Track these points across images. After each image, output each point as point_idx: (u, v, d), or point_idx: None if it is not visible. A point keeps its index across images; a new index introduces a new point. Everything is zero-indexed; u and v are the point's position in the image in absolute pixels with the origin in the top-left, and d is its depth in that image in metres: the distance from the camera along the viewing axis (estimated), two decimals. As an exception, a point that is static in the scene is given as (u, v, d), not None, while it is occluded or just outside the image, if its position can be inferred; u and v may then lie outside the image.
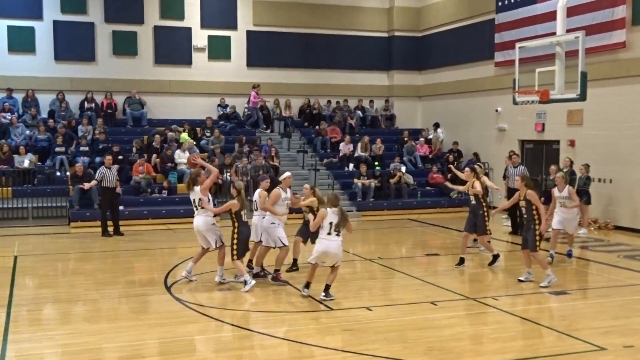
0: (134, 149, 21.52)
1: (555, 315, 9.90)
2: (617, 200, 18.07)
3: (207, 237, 11.41)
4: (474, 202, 13.03)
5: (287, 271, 12.22)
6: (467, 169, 13.60)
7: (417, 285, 11.58)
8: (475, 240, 14.02)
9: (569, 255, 13.87)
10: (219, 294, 10.91)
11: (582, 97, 13.48)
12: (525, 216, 11.43)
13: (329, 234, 9.95)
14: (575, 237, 16.45)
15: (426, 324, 9.10)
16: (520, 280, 11.55)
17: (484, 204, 12.94)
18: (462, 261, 13.07)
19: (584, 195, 17.10)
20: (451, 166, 17.91)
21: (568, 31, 14.23)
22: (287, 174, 12.54)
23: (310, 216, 12.08)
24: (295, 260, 12.57)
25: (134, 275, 12.95)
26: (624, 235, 17.05)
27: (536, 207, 11.13)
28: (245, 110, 25.43)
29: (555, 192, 13.21)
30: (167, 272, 12.44)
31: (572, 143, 19.56)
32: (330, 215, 9.98)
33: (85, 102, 23.54)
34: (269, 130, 25.08)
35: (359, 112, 26.48)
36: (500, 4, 22.24)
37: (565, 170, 17.00)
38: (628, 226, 17.44)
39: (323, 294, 10.20)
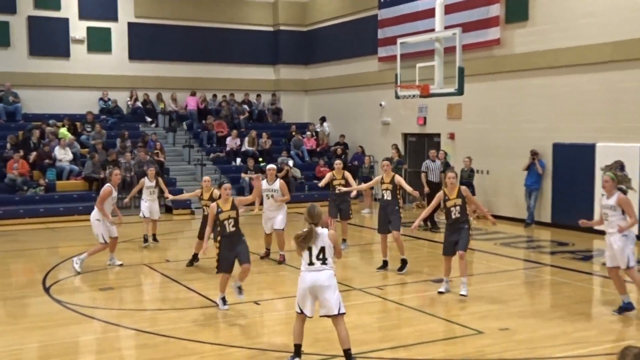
0: (8, 145, 20.46)
1: (437, 302, 10.24)
2: (494, 191, 18.91)
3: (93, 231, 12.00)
4: (388, 197, 11.89)
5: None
6: (385, 162, 12.24)
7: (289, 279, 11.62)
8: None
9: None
10: (101, 294, 10.56)
11: (460, 91, 13.97)
12: (459, 215, 10.16)
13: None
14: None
15: (313, 315, 9.15)
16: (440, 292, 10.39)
17: (400, 199, 11.99)
18: (385, 264, 12.04)
19: (468, 187, 17.82)
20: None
21: (446, 28, 14.69)
22: (271, 165, 13.23)
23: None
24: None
25: (10, 278, 12.32)
26: (501, 224, 17.81)
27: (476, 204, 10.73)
28: (128, 104, 24.75)
29: (603, 200, 9.35)
30: (46, 273, 11.91)
31: (452, 136, 20.31)
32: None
33: (-46, 96, 22.19)
34: (153, 125, 24.53)
35: (246, 107, 26.36)
36: (382, 0, 22.72)
37: (441, 161, 17.68)
38: (505, 215, 18.28)
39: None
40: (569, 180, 16.66)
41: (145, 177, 14.99)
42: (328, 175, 14.02)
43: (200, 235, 12.24)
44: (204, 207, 12.15)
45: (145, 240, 14.84)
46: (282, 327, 8.58)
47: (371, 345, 7.82)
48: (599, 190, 15.81)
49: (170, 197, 14.62)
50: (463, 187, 10.23)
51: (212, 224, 9.34)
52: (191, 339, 8.03)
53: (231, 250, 9.22)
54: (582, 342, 7.94)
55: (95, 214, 11.86)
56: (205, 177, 12.87)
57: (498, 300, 9.94)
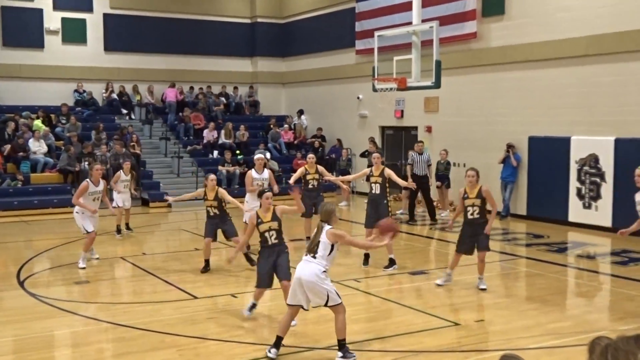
0: (-19, 137, 20.21)
1: (414, 294, 10.30)
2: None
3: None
4: (377, 191, 11.62)
5: None
6: (376, 154, 12.14)
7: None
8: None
9: None
10: (76, 288, 10.50)
11: (437, 84, 14.01)
12: (477, 216, 9.89)
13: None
14: (438, 219, 17.29)
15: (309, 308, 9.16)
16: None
17: (388, 193, 11.85)
18: (367, 258, 11.88)
19: (445, 180, 18.00)
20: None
21: (423, 21, 14.72)
22: (259, 155, 13.20)
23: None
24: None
25: (-17, 271, 12.18)
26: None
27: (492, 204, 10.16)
28: (103, 96, 24.53)
29: (637, 196, 9.02)
30: (20, 267, 11.79)
31: (429, 129, 20.40)
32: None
33: None
34: (128, 117, 24.34)
35: (223, 99, 26.25)
36: (360, -7, 22.72)
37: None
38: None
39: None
40: (544, 173, 16.82)
41: (121, 171, 15.04)
42: (300, 170, 13.77)
43: (207, 235, 11.36)
44: (209, 209, 11.27)
45: (119, 231, 14.81)
46: (260, 319, 8.57)
47: (349, 337, 7.84)
48: (573, 183, 16.03)
49: (171, 199, 13.57)
50: (484, 189, 9.86)
51: (250, 235, 8.60)
52: (168, 332, 8.01)
53: (270, 264, 8.33)
54: (556, 333, 8.04)
55: (76, 207, 11.79)
56: (211, 176, 11.58)
57: (474, 292, 10.02)
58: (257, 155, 13.38)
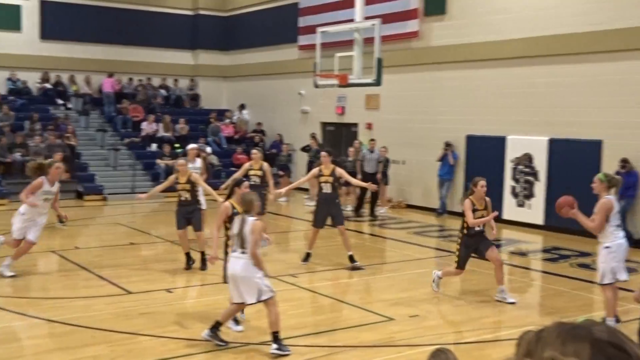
0: None
1: (351, 289, 10.36)
2: (408, 181, 19.25)
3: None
4: (328, 190, 11.39)
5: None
6: (323, 153, 11.88)
7: (219, 265, 11.50)
8: None
9: None
10: (4, 282, 10.15)
11: (378, 82, 14.13)
12: (482, 228, 9.45)
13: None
14: (377, 216, 17.43)
15: (226, 303, 9.08)
16: None
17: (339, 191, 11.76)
18: (308, 256, 11.65)
19: (384, 177, 18.15)
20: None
21: (366, 18, 14.81)
22: (192, 145, 13.20)
23: None
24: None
25: None
26: (415, 213, 18.22)
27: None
28: (37, 86, 23.86)
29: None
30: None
31: (369, 126, 20.53)
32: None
33: None
34: (63, 107, 23.73)
35: (163, 91, 25.85)
36: (303, -12, 22.69)
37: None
38: (419, 205, 18.66)
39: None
40: (480, 172, 16.85)
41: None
42: (244, 166, 13.38)
43: (180, 227, 11.16)
44: (181, 192, 11.14)
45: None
46: (194, 315, 8.48)
47: (285, 333, 7.83)
48: (508, 181, 16.39)
49: (142, 195, 12.06)
50: (488, 199, 9.46)
51: (220, 226, 8.04)
52: (100, 328, 7.83)
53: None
54: (488, 327, 8.21)
55: (22, 207, 10.25)
56: (181, 161, 11.60)
57: (409, 287, 10.14)
58: (191, 145, 13.30)
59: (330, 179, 11.33)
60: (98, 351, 7.14)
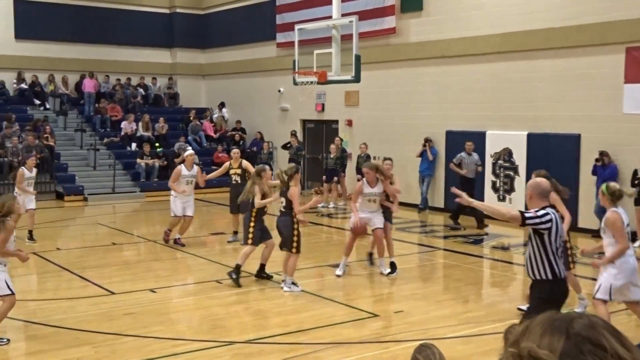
0: None
1: (334, 287, 10.38)
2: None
3: None
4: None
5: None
6: (388, 161, 11.81)
7: (203, 264, 11.55)
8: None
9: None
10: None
11: (357, 79, 14.13)
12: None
13: None
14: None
15: (210, 302, 9.11)
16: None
17: None
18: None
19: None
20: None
21: (343, 15, 14.81)
22: (190, 151, 13.48)
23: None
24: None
25: None
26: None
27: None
28: (14, 86, 23.60)
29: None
30: None
31: (349, 123, 20.57)
32: None
33: None
34: (42, 108, 23.50)
35: (141, 90, 25.69)
36: (281, -15, 22.64)
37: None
38: (400, 201, 18.67)
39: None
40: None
41: (23, 168, 13.14)
42: (225, 165, 13.52)
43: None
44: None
45: (31, 237, 13.15)
46: (178, 314, 8.47)
47: (270, 331, 7.86)
48: (488, 176, 16.51)
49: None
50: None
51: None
52: (83, 329, 7.80)
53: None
54: (472, 322, 8.27)
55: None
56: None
57: (393, 283, 10.19)
58: (189, 152, 13.28)
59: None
60: (82, 352, 7.11)
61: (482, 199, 15.48)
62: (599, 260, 7.51)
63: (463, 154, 15.80)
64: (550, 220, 5.85)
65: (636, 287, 7.14)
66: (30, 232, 13.14)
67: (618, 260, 7.02)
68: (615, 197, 7.15)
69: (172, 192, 12.66)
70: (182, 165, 12.86)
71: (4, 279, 7.41)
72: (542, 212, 5.87)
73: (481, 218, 14.91)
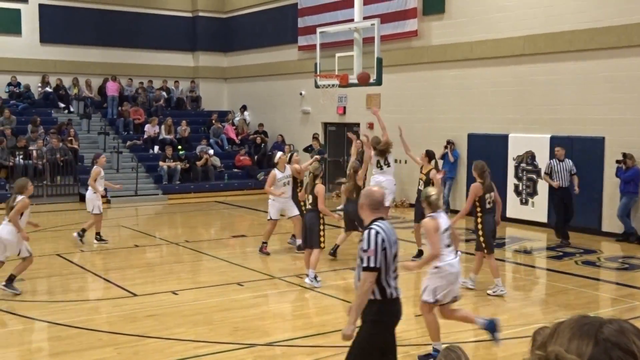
0: None
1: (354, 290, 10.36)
2: (410, 180, 19.22)
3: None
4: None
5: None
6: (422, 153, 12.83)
7: (224, 267, 11.59)
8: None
9: None
10: (11, 286, 10.17)
11: (378, 81, 14.12)
12: None
13: None
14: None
15: (232, 304, 9.14)
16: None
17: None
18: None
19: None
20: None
21: (365, 18, 14.81)
22: (280, 153, 13.15)
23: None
24: None
25: None
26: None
27: None
28: (39, 89, 23.88)
29: None
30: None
31: (371, 126, 20.52)
32: None
33: None
34: (66, 111, 23.75)
35: (164, 93, 25.87)
36: (302, -12, 22.69)
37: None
38: (421, 203, 18.61)
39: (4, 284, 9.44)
40: (482, 170, 17.11)
41: (97, 166, 14.30)
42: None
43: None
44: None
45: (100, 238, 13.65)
46: (200, 316, 8.50)
47: (291, 333, 7.86)
48: (511, 179, 16.41)
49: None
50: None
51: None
52: (106, 331, 7.86)
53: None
54: (494, 326, 8.18)
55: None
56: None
57: (413, 287, 10.14)
58: (279, 154, 12.97)
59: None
60: (105, 354, 7.16)
61: (504, 203, 15.37)
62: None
63: (553, 161, 14.10)
64: (383, 241, 5.20)
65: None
66: (97, 233, 13.57)
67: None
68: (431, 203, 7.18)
69: (270, 197, 12.46)
70: (275, 169, 12.58)
71: (25, 245, 9.46)
72: (374, 238, 5.19)
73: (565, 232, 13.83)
